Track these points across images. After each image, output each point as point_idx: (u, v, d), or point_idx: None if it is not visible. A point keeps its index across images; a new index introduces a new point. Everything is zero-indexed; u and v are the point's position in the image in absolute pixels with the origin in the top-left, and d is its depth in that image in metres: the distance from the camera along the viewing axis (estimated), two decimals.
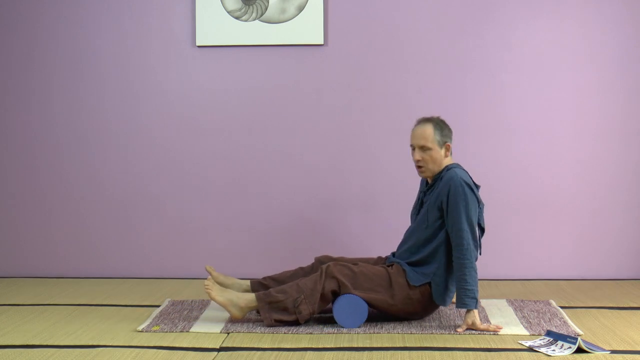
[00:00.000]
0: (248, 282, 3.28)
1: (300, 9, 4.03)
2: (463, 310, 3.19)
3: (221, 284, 3.26)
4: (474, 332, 2.91)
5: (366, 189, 4.09)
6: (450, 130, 3.13)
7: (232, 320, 3.09)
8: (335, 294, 3.01)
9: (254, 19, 4.06)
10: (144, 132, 4.16)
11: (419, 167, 3.11)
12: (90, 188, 4.19)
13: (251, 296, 3.03)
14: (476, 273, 2.96)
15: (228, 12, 4.06)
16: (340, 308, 2.99)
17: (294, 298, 2.97)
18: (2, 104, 4.21)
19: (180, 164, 4.16)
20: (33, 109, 4.19)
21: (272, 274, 3.33)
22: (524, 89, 4.03)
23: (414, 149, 3.12)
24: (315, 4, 4.03)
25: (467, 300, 2.93)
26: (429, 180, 3.18)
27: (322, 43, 4.05)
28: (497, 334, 2.87)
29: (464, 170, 3.11)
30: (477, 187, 3.10)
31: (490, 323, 3.02)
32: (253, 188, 4.13)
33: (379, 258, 3.31)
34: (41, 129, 4.19)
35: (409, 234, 3.21)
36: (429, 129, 3.08)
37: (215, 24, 4.07)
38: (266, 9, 4.05)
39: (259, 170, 4.13)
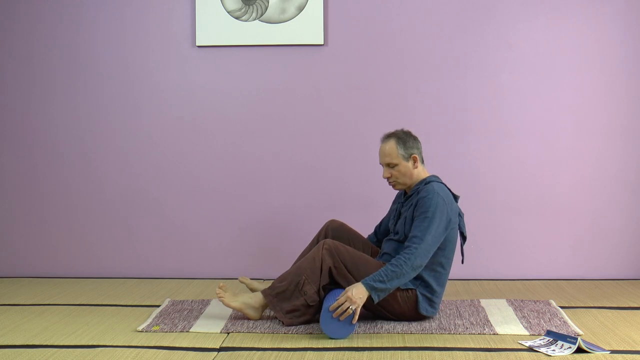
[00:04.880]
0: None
1: (300, 9, 4.03)
2: (463, 310, 3.20)
3: (254, 290, 3.30)
4: (473, 332, 2.90)
5: (365, 189, 4.08)
6: (416, 140, 3.14)
7: (236, 318, 3.09)
8: (331, 272, 2.99)
9: (254, 19, 4.06)
10: (143, 132, 4.16)
11: (390, 183, 3.14)
12: (90, 188, 4.19)
13: (260, 295, 3.07)
14: (398, 281, 2.87)
15: (228, 12, 4.06)
16: (326, 322, 2.84)
17: (296, 282, 2.98)
18: (2, 104, 4.21)
19: (180, 164, 4.16)
20: (33, 109, 4.19)
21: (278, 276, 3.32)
22: (524, 89, 4.03)
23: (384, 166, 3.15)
24: (315, 4, 4.03)
25: (370, 282, 2.85)
26: (407, 191, 3.19)
27: (322, 43, 4.05)
28: (495, 334, 2.87)
29: (441, 183, 3.10)
30: (457, 197, 3.11)
31: (490, 323, 3.01)
32: (253, 188, 4.13)
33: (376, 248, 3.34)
34: (41, 129, 4.19)
35: (386, 247, 3.19)
36: (391, 145, 3.09)
37: (215, 24, 4.06)
38: (266, 9, 4.05)
39: (258, 170, 4.13)
